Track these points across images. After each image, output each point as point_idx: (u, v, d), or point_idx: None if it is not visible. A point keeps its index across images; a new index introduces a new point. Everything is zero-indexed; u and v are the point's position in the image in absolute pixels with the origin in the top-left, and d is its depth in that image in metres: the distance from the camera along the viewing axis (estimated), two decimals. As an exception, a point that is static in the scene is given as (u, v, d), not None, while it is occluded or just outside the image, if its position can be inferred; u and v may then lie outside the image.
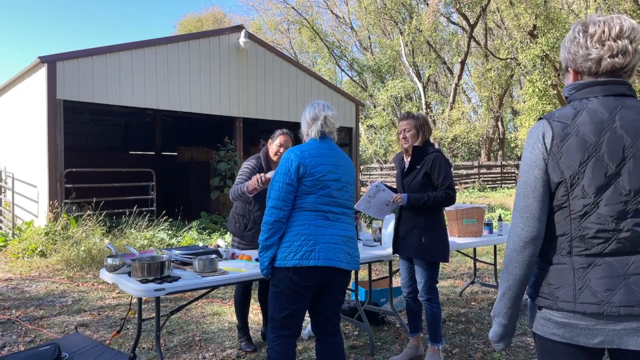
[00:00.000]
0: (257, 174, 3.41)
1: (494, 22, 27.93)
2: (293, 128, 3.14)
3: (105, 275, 3.09)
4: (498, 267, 5.63)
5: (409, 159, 3.52)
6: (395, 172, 3.91)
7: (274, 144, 3.67)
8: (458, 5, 24.26)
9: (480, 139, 29.17)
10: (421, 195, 3.36)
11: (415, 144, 3.45)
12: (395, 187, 3.71)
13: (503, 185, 25.18)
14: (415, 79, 29.30)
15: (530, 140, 1.50)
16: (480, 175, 24.91)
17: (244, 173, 3.67)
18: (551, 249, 1.51)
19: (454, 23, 28.78)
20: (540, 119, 1.52)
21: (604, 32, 1.44)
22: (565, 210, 1.46)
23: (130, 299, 4.39)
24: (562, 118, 1.46)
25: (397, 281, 4.56)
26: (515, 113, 32.31)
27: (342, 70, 34.19)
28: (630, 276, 1.39)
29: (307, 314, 2.72)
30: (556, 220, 1.49)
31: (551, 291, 1.48)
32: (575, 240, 1.45)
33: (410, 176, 3.46)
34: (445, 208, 4.28)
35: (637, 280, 1.39)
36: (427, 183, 3.40)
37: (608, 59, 1.44)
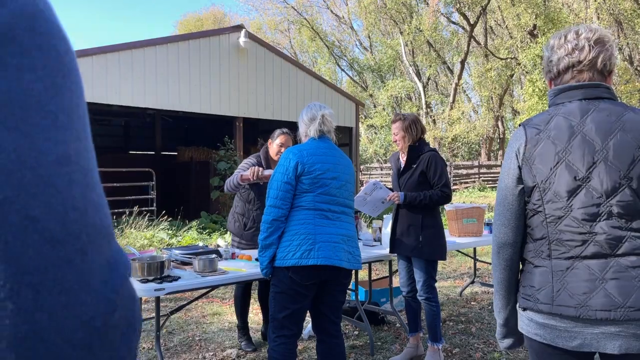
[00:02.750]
0: (256, 167, 3.42)
1: (494, 21, 27.92)
2: (293, 128, 3.14)
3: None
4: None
5: (405, 158, 3.53)
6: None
7: (275, 144, 3.66)
8: (458, 4, 24.25)
9: (481, 138, 29.15)
10: (417, 193, 3.36)
11: (409, 144, 3.47)
12: (391, 187, 3.72)
13: (503, 185, 25.12)
14: (415, 78, 29.28)
15: (508, 148, 1.57)
16: (481, 175, 24.88)
17: (243, 168, 3.68)
18: (532, 252, 1.54)
19: (454, 23, 28.75)
20: (519, 125, 1.57)
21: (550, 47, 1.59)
22: (541, 215, 1.49)
23: (130, 298, 4.37)
24: (538, 124, 1.51)
25: (397, 281, 4.56)
26: (515, 113, 32.24)
27: (342, 70, 34.21)
28: (608, 280, 1.39)
29: (307, 314, 2.72)
30: (534, 224, 1.52)
31: (532, 293, 1.51)
32: (554, 244, 1.47)
33: (407, 175, 3.47)
34: (446, 208, 4.29)
35: (615, 284, 1.38)
36: (423, 182, 3.41)
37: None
